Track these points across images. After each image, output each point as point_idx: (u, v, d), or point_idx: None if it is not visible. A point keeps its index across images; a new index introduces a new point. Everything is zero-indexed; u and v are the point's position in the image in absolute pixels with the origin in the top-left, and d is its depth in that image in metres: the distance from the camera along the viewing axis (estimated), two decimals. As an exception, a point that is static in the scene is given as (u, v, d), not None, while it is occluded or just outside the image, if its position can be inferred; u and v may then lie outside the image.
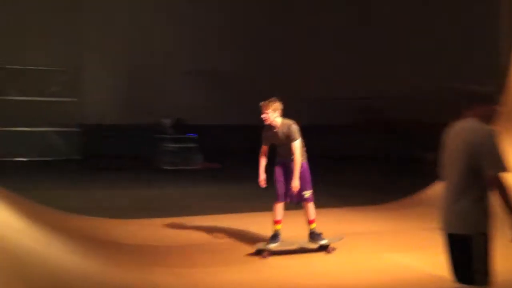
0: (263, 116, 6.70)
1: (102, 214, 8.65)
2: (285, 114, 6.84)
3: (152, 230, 7.84)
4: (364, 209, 9.60)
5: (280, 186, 6.72)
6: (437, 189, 9.41)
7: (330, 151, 15.75)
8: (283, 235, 6.67)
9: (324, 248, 6.68)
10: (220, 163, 15.24)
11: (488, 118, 3.91)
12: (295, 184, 6.52)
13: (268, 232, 6.80)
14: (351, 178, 13.49)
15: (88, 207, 9.28)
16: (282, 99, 6.83)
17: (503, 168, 3.66)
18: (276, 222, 6.71)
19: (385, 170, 14.60)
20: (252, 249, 6.61)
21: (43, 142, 16.44)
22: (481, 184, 3.71)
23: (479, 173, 3.69)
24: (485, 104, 3.90)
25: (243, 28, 17.78)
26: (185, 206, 9.90)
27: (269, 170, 6.85)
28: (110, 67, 17.21)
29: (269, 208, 8.66)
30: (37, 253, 4.65)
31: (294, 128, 6.64)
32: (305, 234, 6.74)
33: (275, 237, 6.64)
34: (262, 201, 10.03)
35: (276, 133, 6.72)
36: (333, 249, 6.69)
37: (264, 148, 6.86)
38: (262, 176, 6.79)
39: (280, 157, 6.83)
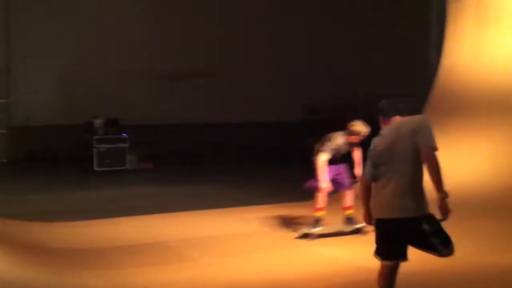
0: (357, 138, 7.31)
1: (31, 217, 8.39)
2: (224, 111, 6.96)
3: (81, 232, 7.69)
4: (297, 205, 9.74)
5: (324, 178, 7.22)
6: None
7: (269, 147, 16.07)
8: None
9: (359, 231, 7.29)
10: (155, 164, 15.06)
11: None
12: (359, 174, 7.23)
13: (196, 233, 7.24)
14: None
15: (16, 211, 8.94)
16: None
17: (434, 143, 4.04)
18: (318, 210, 7.37)
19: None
20: (192, 246, 6.66)
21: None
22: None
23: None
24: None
25: (178, 27, 17.65)
26: (116, 207, 9.74)
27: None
28: (40, 67, 16.68)
29: (200, 207, 8.80)
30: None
31: None
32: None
33: (317, 222, 7.31)
34: (191, 202, 10.15)
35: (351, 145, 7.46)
36: (367, 232, 6.97)
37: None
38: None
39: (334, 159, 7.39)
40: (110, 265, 6.04)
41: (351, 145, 7.53)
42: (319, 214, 7.37)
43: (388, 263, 4.20)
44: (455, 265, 5.29)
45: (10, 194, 11.08)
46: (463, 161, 9.15)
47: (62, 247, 6.68)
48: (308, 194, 9.17)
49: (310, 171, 7.44)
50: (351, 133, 7.32)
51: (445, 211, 3.97)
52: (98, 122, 14.66)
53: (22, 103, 16.37)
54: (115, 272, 5.73)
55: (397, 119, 4.28)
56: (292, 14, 18.48)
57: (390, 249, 4.18)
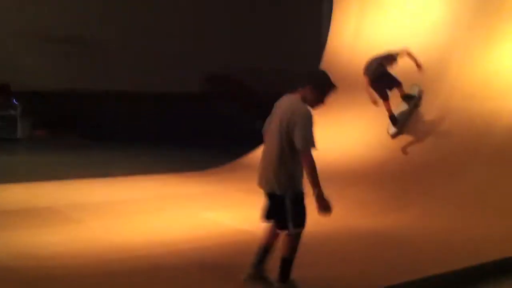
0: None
1: None
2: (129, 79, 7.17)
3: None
4: (189, 175, 10.19)
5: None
6: (256, 155, 10.37)
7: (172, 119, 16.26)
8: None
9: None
10: (49, 131, 14.86)
11: (312, 102, 4.35)
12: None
13: (84, 198, 7.62)
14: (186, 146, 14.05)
15: None
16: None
17: (312, 145, 4.17)
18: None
19: (216, 137, 15.34)
20: (77, 210, 6.91)
21: None
22: (295, 158, 4.26)
23: (294, 148, 4.23)
24: (316, 91, 4.32)
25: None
26: (6, 174, 9.70)
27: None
28: None
29: (91, 176, 9.02)
30: None
31: None
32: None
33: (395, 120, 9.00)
34: (82, 169, 10.32)
35: None
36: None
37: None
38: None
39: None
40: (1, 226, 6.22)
41: None
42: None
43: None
44: (327, 228, 5.93)
45: None
46: (344, 136, 9.95)
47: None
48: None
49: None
50: None
51: (324, 207, 4.16)
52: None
53: None
54: (5, 234, 5.92)
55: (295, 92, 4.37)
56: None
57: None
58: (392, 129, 9.21)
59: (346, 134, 10.03)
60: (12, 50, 16.21)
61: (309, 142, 4.19)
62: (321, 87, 4.37)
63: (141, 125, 16.26)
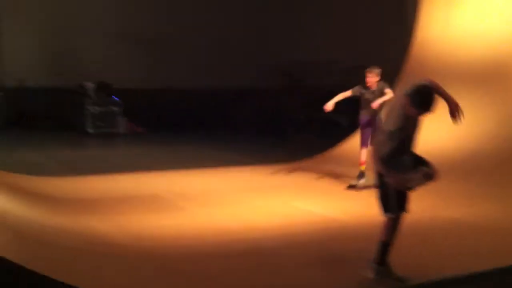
0: (368, 80, 8.26)
1: (32, 174, 9.07)
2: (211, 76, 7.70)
3: (81, 186, 8.53)
4: (278, 166, 10.61)
5: (364, 134, 8.32)
6: (343, 149, 10.65)
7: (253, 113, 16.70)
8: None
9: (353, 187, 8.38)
10: (145, 128, 15.66)
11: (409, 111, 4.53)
12: (376, 104, 8.13)
13: (187, 188, 8.16)
14: (273, 139, 14.51)
15: (17, 168, 9.52)
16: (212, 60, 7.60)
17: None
18: (361, 163, 8.37)
19: (302, 132, 15.69)
20: (183, 198, 7.60)
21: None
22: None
23: None
24: (413, 107, 4.44)
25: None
26: (111, 165, 10.54)
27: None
28: (32, 29, 17.09)
29: (196, 166, 9.65)
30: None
31: (386, 83, 8.29)
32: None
33: (362, 175, 8.35)
34: (182, 162, 10.97)
35: (372, 92, 8.26)
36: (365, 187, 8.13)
37: (348, 92, 8.45)
38: (331, 104, 8.34)
39: (366, 112, 8.33)
40: (110, 211, 6.90)
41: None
42: (363, 167, 8.35)
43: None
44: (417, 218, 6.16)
45: (9, 153, 11.74)
46: (432, 129, 10.02)
47: (67, 198, 7.50)
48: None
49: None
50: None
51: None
52: (90, 85, 15.26)
53: (14, 66, 16.82)
54: (115, 217, 6.58)
55: None
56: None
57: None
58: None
59: (434, 126, 10.08)
60: (110, 51, 17.24)
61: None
62: (417, 106, 4.46)
63: (227, 119, 16.82)
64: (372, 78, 8.28)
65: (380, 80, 8.33)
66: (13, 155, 11.49)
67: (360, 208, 7.16)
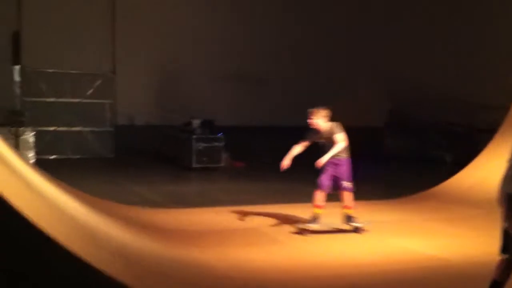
0: (309, 121, 7.75)
1: (139, 205, 9.63)
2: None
3: (185, 217, 8.93)
4: (380, 202, 10.52)
5: (325, 178, 7.75)
6: (448, 186, 10.39)
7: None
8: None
9: (356, 230, 7.81)
10: (245, 163, 16.03)
11: None
12: (320, 162, 7.59)
13: (285, 223, 8.09)
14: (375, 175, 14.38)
15: (126, 199, 10.20)
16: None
17: None
18: (316, 207, 7.81)
19: (404, 168, 15.45)
20: (281, 232, 7.75)
21: (79, 141, 17.45)
22: None
23: None
24: None
25: (272, 30, 18.54)
26: (213, 199, 10.93)
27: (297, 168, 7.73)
28: (143, 70, 18.15)
29: (292, 201, 9.73)
30: (102, 231, 5.64)
31: (337, 125, 7.70)
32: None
33: (314, 219, 7.77)
34: (280, 196, 11.11)
35: (321, 134, 7.76)
36: (363, 230, 7.77)
37: (304, 142, 7.91)
38: (287, 160, 7.84)
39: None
40: (212, 243, 7.18)
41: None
42: (317, 211, 7.78)
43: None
44: None
45: (119, 185, 12.49)
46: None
47: (174, 229, 7.88)
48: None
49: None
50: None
51: None
52: (195, 122, 15.91)
53: (126, 104, 17.90)
54: (216, 249, 6.83)
55: None
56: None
57: None
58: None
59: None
60: (212, 89, 17.94)
61: None
62: None
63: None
64: (312, 119, 7.67)
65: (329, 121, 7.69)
66: (122, 187, 12.15)
67: (464, 247, 6.97)
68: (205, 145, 15.54)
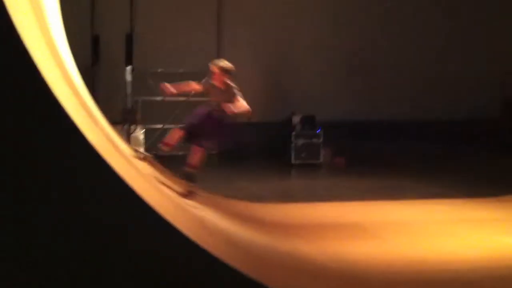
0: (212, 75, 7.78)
1: (244, 199, 10.12)
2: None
3: (287, 212, 9.32)
4: (480, 200, 10.36)
5: (192, 119, 8.11)
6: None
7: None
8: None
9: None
10: (346, 159, 16.05)
11: None
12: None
13: (386, 218, 8.49)
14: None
15: (231, 194, 10.58)
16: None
17: None
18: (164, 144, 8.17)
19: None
20: (382, 228, 7.96)
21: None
22: None
23: None
24: None
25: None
26: (313, 194, 11.33)
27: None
28: (248, 70, 18.48)
29: (399, 198, 9.85)
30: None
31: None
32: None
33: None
34: (384, 193, 11.21)
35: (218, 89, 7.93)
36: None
37: (198, 85, 8.30)
38: (172, 88, 8.26)
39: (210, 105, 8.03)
40: (314, 236, 7.51)
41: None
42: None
43: None
44: None
45: (223, 181, 13.00)
46: None
47: (279, 222, 8.31)
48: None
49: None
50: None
51: None
52: (296, 119, 16.24)
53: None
54: (318, 242, 7.16)
55: None
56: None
57: None
58: None
59: None
60: (316, 85, 17.98)
61: None
62: None
63: (430, 152, 16.66)
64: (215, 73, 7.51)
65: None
66: (231, 184, 12.73)
67: None
68: (305, 141, 15.82)
